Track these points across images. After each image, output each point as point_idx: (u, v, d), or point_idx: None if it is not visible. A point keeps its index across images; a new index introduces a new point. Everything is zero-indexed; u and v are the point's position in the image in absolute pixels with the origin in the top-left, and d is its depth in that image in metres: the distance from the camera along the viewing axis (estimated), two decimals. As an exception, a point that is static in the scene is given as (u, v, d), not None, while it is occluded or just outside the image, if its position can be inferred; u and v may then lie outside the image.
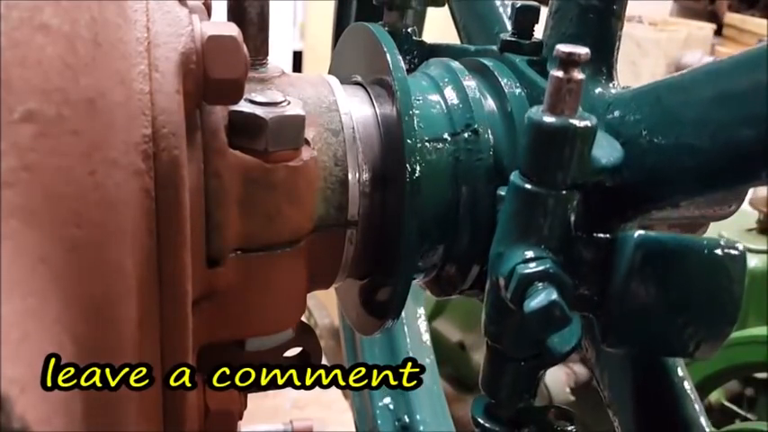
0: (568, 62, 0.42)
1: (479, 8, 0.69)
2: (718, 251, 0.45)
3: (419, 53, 0.68)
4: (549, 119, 0.43)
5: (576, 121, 0.43)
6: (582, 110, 0.44)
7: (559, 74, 0.43)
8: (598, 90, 0.53)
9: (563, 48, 0.42)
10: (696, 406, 0.53)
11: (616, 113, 0.49)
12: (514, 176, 0.46)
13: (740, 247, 0.45)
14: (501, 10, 0.67)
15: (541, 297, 0.42)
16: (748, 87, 0.40)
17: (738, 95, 0.41)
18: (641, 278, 0.44)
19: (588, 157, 0.44)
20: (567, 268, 0.44)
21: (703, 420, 0.52)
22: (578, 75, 0.43)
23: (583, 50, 0.42)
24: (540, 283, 0.42)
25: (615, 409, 0.56)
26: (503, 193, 0.47)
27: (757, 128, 0.40)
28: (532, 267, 0.43)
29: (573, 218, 0.45)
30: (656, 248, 0.44)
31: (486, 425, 0.50)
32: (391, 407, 0.97)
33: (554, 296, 0.41)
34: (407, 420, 0.96)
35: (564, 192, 0.44)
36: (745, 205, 1.87)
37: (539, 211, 0.44)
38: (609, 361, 0.57)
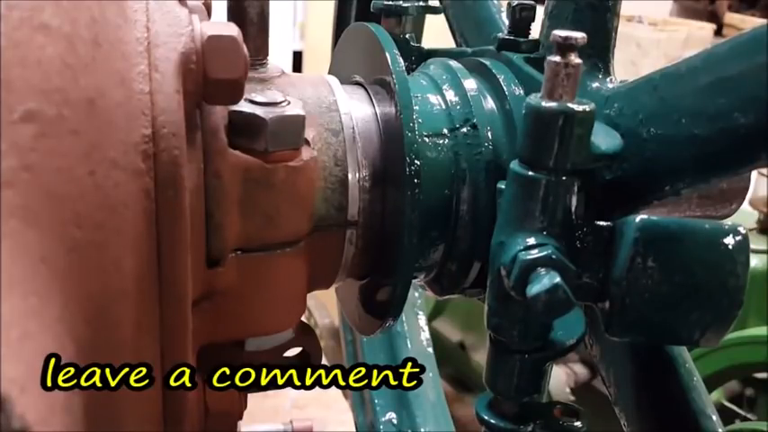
0: (565, 46, 0.43)
1: (476, 14, 0.69)
2: (721, 234, 0.44)
3: (417, 58, 0.68)
4: (547, 104, 0.43)
5: (574, 106, 0.43)
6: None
7: (557, 59, 0.43)
8: (595, 85, 0.53)
9: (559, 33, 0.43)
10: (705, 399, 0.52)
11: (614, 106, 0.49)
12: (514, 164, 0.46)
13: (742, 229, 0.45)
14: (497, 15, 0.67)
15: (545, 281, 0.41)
16: (745, 71, 0.40)
17: (736, 79, 0.41)
18: (643, 263, 0.44)
19: (587, 142, 0.45)
20: (569, 255, 0.44)
21: (713, 413, 0.52)
22: (576, 59, 0.43)
23: (579, 35, 0.43)
24: (543, 269, 0.42)
25: (622, 406, 0.56)
26: (503, 187, 0.48)
27: (756, 111, 0.40)
28: (534, 254, 0.43)
29: (574, 205, 0.45)
30: (657, 232, 0.44)
31: (491, 421, 0.50)
32: (395, 421, 0.97)
33: (557, 279, 0.41)
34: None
35: (564, 177, 0.44)
36: (745, 205, 1.87)
37: (539, 198, 0.44)
38: (614, 357, 0.57)
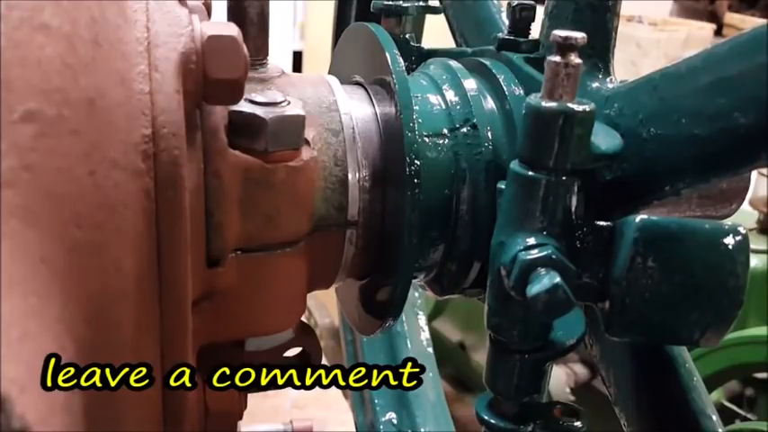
0: (565, 47, 0.43)
1: (476, 14, 0.69)
2: (721, 234, 0.45)
3: (417, 58, 0.68)
4: (547, 104, 0.43)
5: (574, 106, 0.43)
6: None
7: (557, 59, 0.43)
8: (595, 85, 0.53)
9: (559, 33, 0.43)
10: (705, 399, 0.52)
11: (614, 106, 0.49)
12: (514, 164, 0.46)
13: (742, 229, 0.45)
14: (497, 15, 0.67)
15: (545, 281, 0.41)
16: (745, 71, 0.40)
17: (736, 79, 0.41)
18: (643, 263, 0.44)
19: (587, 142, 0.45)
20: (569, 256, 0.44)
21: (713, 413, 0.52)
22: (576, 59, 0.43)
23: (579, 35, 0.43)
24: (543, 269, 0.42)
25: (622, 407, 0.56)
26: (503, 187, 0.48)
27: (756, 111, 0.40)
28: (534, 254, 0.43)
29: (574, 205, 0.45)
30: (657, 232, 0.44)
31: (491, 421, 0.50)
32: (395, 421, 0.97)
33: (557, 279, 0.41)
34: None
35: (564, 177, 0.44)
36: (745, 205, 1.87)
37: (539, 198, 0.44)
38: (614, 357, 0.57)
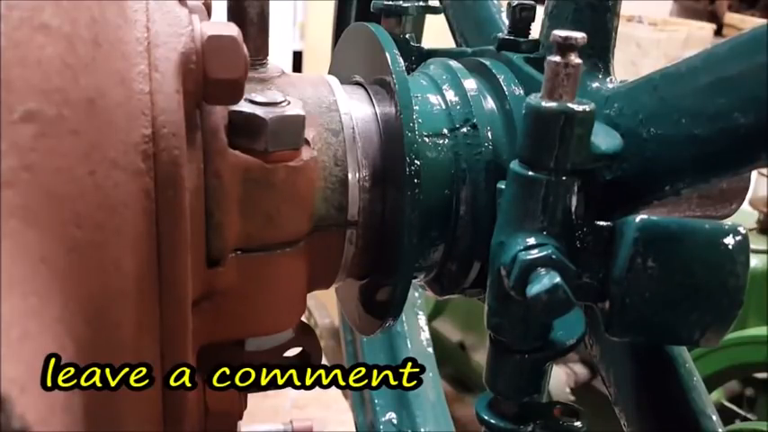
0: (565, 46, 0.43)
1: (476, 14, 0.69)
2: (721, 234, 0.45)
3: (417, 58, 0.68)
4: (547, 104, 0.43)
5: (574, 106, 0.43)
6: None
7: (557, 59, 0.43)
8: (595, 85, 0.53)
9: (559, 33, 0.43)
10: (705, 399, 0.52)
11: (614, 106, 0.49)
12: (514, 164, 0.46)
13: (742, 229, 0.45)
14: (497, 15, 0.67)
15: (545, 281, 0.41)
16: (745, 71, 0.40)
17: (736, 79, 0.41)
18: (643, 263, 0.44)
19: (587, 142, 0.45)
20: (569, 256, 0.44)
21: (713, 413, 0.52)
22: (576, 59, 0.43)
23: (579, 35, 0.43)
24: (543, 269, 0.42)
25: (622, 406, 0.56)
26: (503, 187, 0.48)
27: (756, 111, 0.40)
28: (534, 254, 0.43)
29: (574, 205, 0.45)
30: (657, 232, 0.44)
31: (491, 421, 0.50)
32: (395, 421, 0.97)
33: (557, 279, 0.41)
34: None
35: (564, 177, 0.44)
36: (745, 205, 1.87)
37: (539, 198, 0.45)
38: (614, 357, 0.57)
